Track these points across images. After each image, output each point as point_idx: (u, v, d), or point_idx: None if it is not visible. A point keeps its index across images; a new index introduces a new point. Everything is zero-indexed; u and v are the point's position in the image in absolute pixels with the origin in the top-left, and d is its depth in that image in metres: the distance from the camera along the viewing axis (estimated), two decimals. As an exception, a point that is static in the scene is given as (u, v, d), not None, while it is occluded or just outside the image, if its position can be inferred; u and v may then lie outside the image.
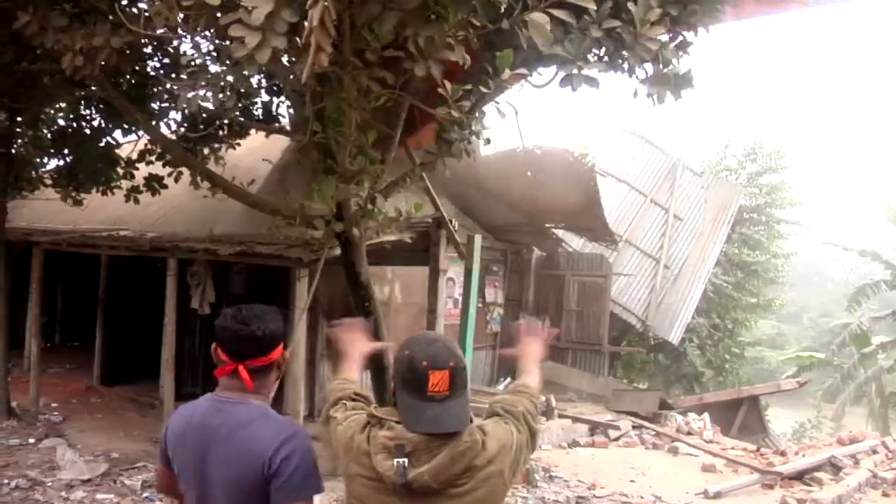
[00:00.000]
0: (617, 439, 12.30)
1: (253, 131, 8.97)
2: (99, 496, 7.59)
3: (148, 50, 7.77)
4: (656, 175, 19.01)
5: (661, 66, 4.91)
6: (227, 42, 4.22)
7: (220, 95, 5.40)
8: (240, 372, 2.53)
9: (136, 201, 9.10)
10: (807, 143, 40.76)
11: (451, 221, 9.08)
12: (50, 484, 7.81)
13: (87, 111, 9.58)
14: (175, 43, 7.04)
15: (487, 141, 9.77)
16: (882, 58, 76.55)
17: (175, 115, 8.76)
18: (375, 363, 8.39)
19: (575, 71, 4.59)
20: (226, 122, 8.48)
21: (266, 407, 2.57)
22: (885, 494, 9.66)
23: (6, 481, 7.73)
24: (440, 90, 4.82)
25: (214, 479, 2.48)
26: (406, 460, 2.29)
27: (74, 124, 10.09)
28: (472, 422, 2.42)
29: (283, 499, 2.40)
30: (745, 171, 21.99)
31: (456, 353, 2.40)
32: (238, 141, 9.03)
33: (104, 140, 9.75)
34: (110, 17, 5.65)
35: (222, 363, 2.56)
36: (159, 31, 4.89)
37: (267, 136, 9.28)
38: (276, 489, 2.40)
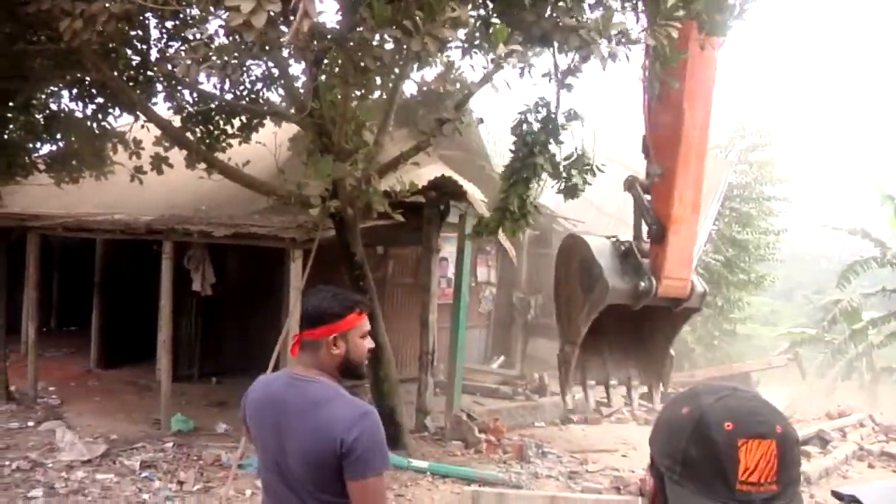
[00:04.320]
0: (609, 415, 12.44)
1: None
2: (99, 476, 7.68)
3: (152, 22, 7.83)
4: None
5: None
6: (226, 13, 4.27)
7: (217, 69, 5.42)
8: (294, 342, 2.73)
9: (140, 181, 9.16)
10: (797, 120, 40.86)
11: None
12: (50, 465, 7.90)
13: (81, 94, 9.59)
14: (181, 14, 7.07)
15: (481, 120, 9.92)
16: (872, 36, 76.58)
17: (172, 99, 8.85)
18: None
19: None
20: (222, 104, 8.53)
21: (338, 387, 2.70)
22: (870, 466, 9.85)
23: (7, 463, 7.81)
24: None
25: (289, 451, 2.63)
26: None
27: (67, 108, 10.11)
28: None
29: (351, 476, 2.54)
30: (734, 147, 22.06)
31: (781, 413, 1.32)
32: (245, 134, 9.13)
33: (97, 124, 9.78)
34: None
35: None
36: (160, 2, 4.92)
37: (261, 124, 9.36)
38: (346, 467, 2.53)
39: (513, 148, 7.57)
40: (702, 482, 1.24)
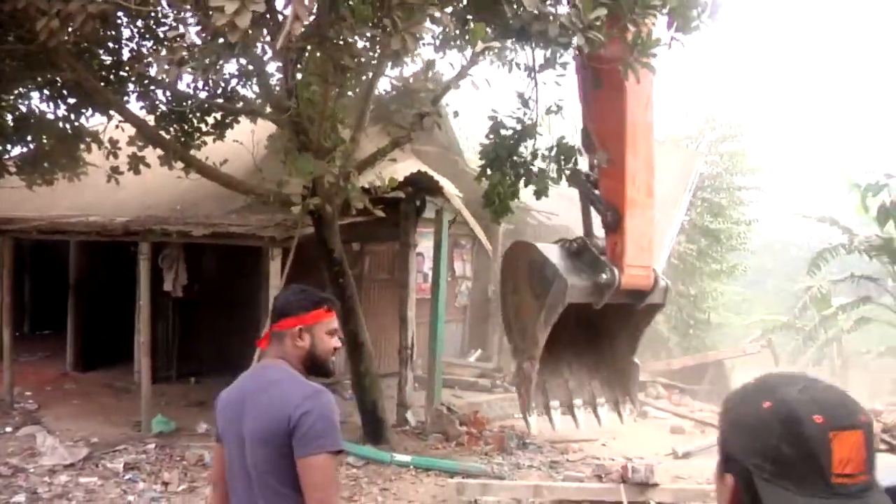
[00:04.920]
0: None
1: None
2: (82, 480, 7.66)
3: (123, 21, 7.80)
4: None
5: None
6: (209, 14, 4.27)
7: (198, 70, 5.41)
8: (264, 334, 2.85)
9: (117, 182, 9.11)
10: (765, 111, 41.34)
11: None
12: (32, 470, 7.86)
13: (53, 95, 9.51)
14: (152, 13, 7.04)
15: (456, 114, 9.98)
16: (840, 26, 77.51)
17: (146, 98, 8.82)
18: (352, 338, 8.56)
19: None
20: (196, 102, 8.52)
21: (293, 371, 2.74)
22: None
23: (-12, 468, 7.80)
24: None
25: (248, 435, 2.66)
26: None
27: (37, 109, 10.01)
28: None
29: (300, 453, 2.54)
30: (704, 138, 22.31)
31: (858, 401, 1.30)
32: (220, 132, 9.12)
33: (69, 125, 9.69)
34: None
35: None
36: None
37: (235, 121, 9.33)
38: (294, 443, 2.54)
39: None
40: (797, 479, 1.22)
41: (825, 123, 46.99)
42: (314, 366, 2.80)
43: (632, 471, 7.94)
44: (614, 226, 7.34)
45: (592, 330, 7.92)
